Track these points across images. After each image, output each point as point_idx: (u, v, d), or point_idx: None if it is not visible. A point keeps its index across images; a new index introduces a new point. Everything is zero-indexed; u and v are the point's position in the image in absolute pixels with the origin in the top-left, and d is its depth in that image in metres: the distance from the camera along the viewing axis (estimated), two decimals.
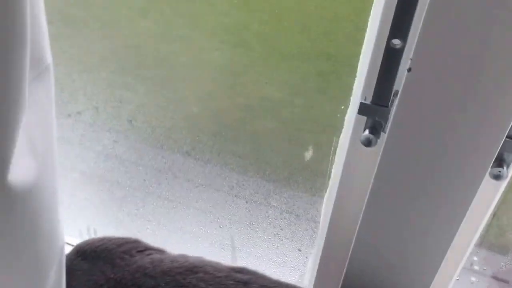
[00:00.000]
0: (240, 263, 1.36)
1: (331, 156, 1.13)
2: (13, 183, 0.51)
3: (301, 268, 1.29)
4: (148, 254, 0.89)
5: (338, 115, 0.97)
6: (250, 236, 1.32)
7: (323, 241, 1.03)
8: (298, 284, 0.90)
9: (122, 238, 0.94)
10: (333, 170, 1.02)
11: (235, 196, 1.32)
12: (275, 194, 1.29)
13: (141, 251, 0.90)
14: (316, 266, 1.08)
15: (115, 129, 1.31)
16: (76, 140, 1.34)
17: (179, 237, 1.35)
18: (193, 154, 1.31)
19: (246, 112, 1.29)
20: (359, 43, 0.84)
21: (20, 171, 0.52)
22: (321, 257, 1.06)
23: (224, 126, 1.31)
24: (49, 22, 0.66)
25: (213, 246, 1.36)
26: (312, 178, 1.29)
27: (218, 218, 1.34)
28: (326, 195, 1.09)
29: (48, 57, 0.64)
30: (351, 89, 0.87)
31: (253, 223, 1.32)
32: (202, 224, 1.35)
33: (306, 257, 1.28)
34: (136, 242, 0.94)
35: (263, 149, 1.31)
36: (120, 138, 1.32)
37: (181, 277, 0.84)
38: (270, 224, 1.30)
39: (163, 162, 1.33)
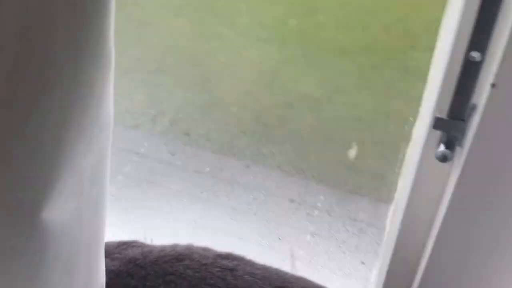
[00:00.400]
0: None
1: (397, 169, 1.08)
2: (48, 220, 0.48)
3: (364, 282, 1.24)
4: (140, 247, 0.93)
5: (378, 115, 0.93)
6: (312, 248, 1.28)
7: (390, 255, 0.99)
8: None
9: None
10: (400, 182, 0.98)
11: (296, 208, 1.28)
12: (331, 202, 1.24)
13: (135, 246, 0.94)
14: (382, 281, 1.05)
15: (151, 130, 1.30)
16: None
17: (238, 249, 1.30)
18: (233, 155, 1.28)
19: (286, 110, 1.26)
20: (398, 36, 0.79)
21: (58, 209, 0.49)
22: (387, 271, 1.02)
23: (264, 125, 1.27)
24: None
25: (273, 258, 1.33)
26: (369, 183, 1.23)
27: (277, 229, 1.30)
28: (392, 208, 1.05)
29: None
30: (394, 84, 0.83)
31: (315, 235, 1.27)
32: (261, 235, 1.32)
33: (370, 270, 1.24)
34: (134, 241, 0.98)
35: (304, 148, 1.27)
36: (159, 140, 1.31)
37: (168, 266, 0.86)
38: (332, 236, 1.26)
39: (201, 164, 1.32)
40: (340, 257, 1.27)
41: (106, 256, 0.90)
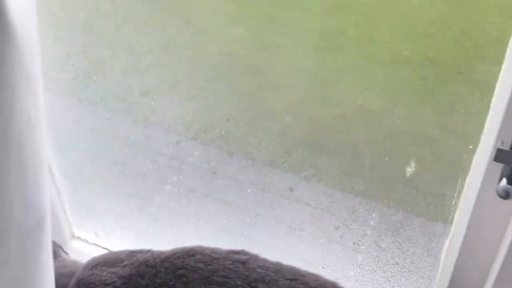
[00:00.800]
0: None
1: (454, 200, 1.02)
2: None
3: None
4: (151, 252, 0.95)
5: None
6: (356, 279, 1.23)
7: None
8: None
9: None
10: (457, 215, 0.93)
11: (341, 236, 1.23)
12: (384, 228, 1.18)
13: (147, 252, 0.96)
14: None
15: (206, 139, 1.29)
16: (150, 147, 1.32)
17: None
18: (284, 167, 1.25)
19: (342, 122, 1.21)
20: (465, 47, 0.74)
21: None
22: None
23: (317, 137, 1.24)
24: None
25: None
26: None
27: (322, 258, 1.26)
28: (447, 242, 1.00)
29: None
30: (459, 98, 0.77)
31: (361, 266, 1.22)
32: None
33: None
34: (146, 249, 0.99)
35: (358, 163, 1.22)
36: (210, 149, 1.29)
37: (179, 261, 0.86)
38: (380, 268, 1.20)
39: (255, 174, 1.29)
40: None
41: (117, 266, 0.90)
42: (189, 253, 0.87)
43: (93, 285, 0.90)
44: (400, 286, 1.18)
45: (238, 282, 0.80)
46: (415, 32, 0.97)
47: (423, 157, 1.18)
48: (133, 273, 0.88)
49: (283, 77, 1.22)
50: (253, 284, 0.79)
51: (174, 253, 0.89)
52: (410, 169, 1.17)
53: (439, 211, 1.13)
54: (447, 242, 1.03)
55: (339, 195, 1.21)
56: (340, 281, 1.21)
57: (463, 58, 0.96)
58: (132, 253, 0.96)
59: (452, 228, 0.96)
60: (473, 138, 0.88)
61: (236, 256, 0.86)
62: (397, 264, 1.18)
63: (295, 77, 1.20)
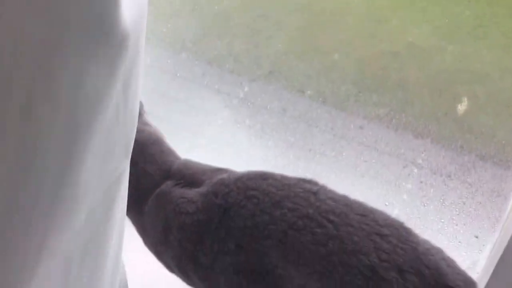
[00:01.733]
0: None
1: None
2: None
3: (476, 255, 1.13)
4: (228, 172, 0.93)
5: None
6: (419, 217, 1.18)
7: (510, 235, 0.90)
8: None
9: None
10: None
11: (408, 175, 1.18)
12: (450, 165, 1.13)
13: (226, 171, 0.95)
14: (496, 259, 0.94)
15: (254, 76, 1.26)
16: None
17: None
18: (332, 104, 1.22)
19: (392, 60, 1.19)
20: None
21: None
22: (504, 251, 0.92)
23: (366, 74, 1.21)
24: None
25: None
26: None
27: (385, 195, 1.21)
28: None
29: None
30: None
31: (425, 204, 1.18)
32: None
33: (483, 245, 1.12)
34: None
35: (409, 101, 1.19)
36: (259, 85, 1.26)
37: (251, 182, 0.85)
38: (446, 207, 1.16)
39: (301, 109, 1.26)
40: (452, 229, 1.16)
41: (199, 185, 0.90)
42: (262, 176, 0.86)
43: (175, 201, 0.89)
44: (464, 224, 1.13)
45: (310, 211, 0.78)
46: None
47: (475, 95, 1.16)
48: (210, 191, 0.87)
49: (333, 14, 1.21)
50: (323, 214, 0.78)
51: (247, 174, 0.88)
52: (462, 106, 1.15)
53: (493, 144, 1.10)
54: None
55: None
56: (403, 218, 1.16)
57: None
58: (218, 170, 0.95)
59: None
60: None
61: (307, 185, 0.84)
62: (464, 204, 1.13)
63: (344, 15, 1.20)
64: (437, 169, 1.14)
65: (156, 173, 0.94)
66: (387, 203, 1.16)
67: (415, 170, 1.16)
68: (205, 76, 1.26)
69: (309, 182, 0.85)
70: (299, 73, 1.24)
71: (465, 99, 1.16)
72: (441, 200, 1.13)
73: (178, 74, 1.28)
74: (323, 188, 0.84)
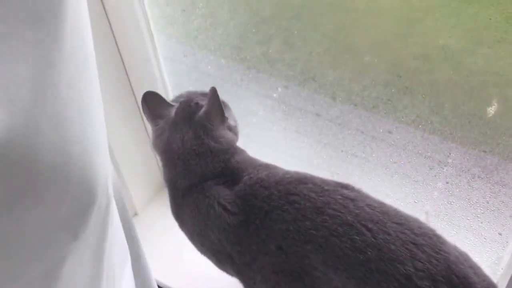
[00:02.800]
0: None
1: None
2: None
3: (500, 252, 1.19)
4: (266, 169, 0.98)
5: None
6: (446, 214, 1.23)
7: None
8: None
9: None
10: None
11: (434, 176, 1.23)
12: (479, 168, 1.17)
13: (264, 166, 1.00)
14: None
15: (284, 75, 1.32)
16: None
17: None
18: (362, 106, 1.27)
19: (423, 62, 1.22)
20: None
21: None
22: None
23: (397, 76, 1.25)
24: None
25: None
26: None
27: (413, 193, 1.26)
28: None
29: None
30: None
31: (452, 203, 1.23)
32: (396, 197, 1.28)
33: (507, 242, 1.18)
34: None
35: (439, 102, 1.22)
36: (291, 85, 1.32)
37: (292, 186, 0.88)
38: (471, 206, 1.21)
39: (333, 113, 1.31)
40: (477, 227, 1.21)
41: (238, 181, 0.96)
42: (302, 180, 0.90)
43: (217, 200, 0.94)
44: (488, 222, 1.18)
45: (350, 218, 0.82)
46: None
47: (505, 97, 1.18)
48: (248, 192, 0.92)
49: (365, 15, 1.23)
50: (362, 222, 0.81)
51: (287, 177, 0.92)
52: (492, 109, 1.17)
53: None
54: None
55: (436, 138, 1.22)
56: (431, 215, 1.23)
57: None
58: (260, 166, 0.99)
59: None
60: None
61: (345, 192, 0.87)
62: (487, 203, 1.18)
63: (377, 16, 1.22)
64: (462, 170, 1.19)
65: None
66: (416, 201, 1.22)
67: (442, 171, 1.21)
68: (243, 80, 1.33)
69: (347, 187, 0.89)
70: (332, 76, 1.28)
71: (495, 101, 1.19)
72: (467, 199, 1.19)
73: (220, 78, 1.35)
74: (361, 194, 0.88)
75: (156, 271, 1.10)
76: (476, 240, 1.20)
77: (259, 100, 1.31)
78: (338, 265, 0.79)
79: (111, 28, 1.22)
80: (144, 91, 1.28)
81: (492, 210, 1.18)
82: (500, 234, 1.18)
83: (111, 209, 0.65)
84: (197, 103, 1.00)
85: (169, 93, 1.42)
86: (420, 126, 1.22)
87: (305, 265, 0.82)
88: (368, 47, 1.25)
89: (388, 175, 1.25)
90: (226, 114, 1.01)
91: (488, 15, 1.13)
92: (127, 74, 1.31)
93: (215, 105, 0.96)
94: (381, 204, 0.87)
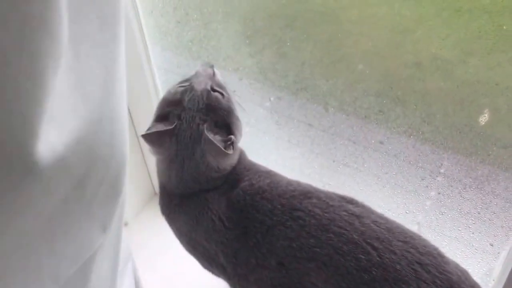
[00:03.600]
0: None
1: None
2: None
3: (491, 263, 1.19)
4: (268, 177, 0.93)
5: None
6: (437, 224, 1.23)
7: None
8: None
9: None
10: None
11: (426, 186, 1.23)
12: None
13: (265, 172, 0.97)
14: (511, 266, 1.00)
15: (277, 85, 1.32)
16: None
17: None
18: (355, 114, 1.27)
19: (415, 71, 1.22)
20: None
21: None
22: None
23: (390, 84, 1.25)
24: None
25: None
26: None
27: (405, 203, 1.26)
28: None
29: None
30: None
31: (443, 213, 1.23)
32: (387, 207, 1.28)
33: (498, 253, 1.18)
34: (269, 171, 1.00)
35: (431, 111, 1.23)
36: (283, 95, 1.32)
37: (296, 201, 0.86)
38: (462, 216, 1.21)
39: (325, 123, 1.31)
40: (468, 237, 1.21)
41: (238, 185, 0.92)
42: (306, 195, 0.87)
43: (215, 213, 0.91)
44: (480, 232, 1.18)
45: (355, 236, 0.80)
46: None
47: (497, 107, 1.18)
48: (249, 204, 0.88)
49: (358, 25, 1.24)
50: (368, 240, 0.79)
51: (290, 190, 0.89)
52: (484, 118, 1.17)
53: None
54: None
55: (427, 148, 1.22)
56: (423, 226, 1.22)
57: None
58: (258, 172, 0.96)
59: None
60: None
61: (350, 207, 0.85)
62: (479, 213, 1.18)
63: (369, 25, 1.22)
64: (453, 181, 1.19)
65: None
66: (407, 211, 1.22)
67: (434, 181, 1.21)
68: (235, 90, 1.33)
69: (351, 202, 0.87)
70: (324, 86, 1.28)
71: (487, 111, 1.19)
72: (458, 210, 1.19)
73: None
74: (366, 210, 0.86)
75: (148, 283, 1.09)
76: (468, 251, 1.20)
77: (252, 109, 1.31)
78: (342, 283, 0.77)
79: None
80: (138, 101, 1.28)
81: (484, 221, 1.18)
82: (491, 245, 1.18)
83: (126, 205, 0.67)
84: (198, 125, 0.90)
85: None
86: (411, 136, 1.23)
87: (306, 282, 0.80)
88: (360, 57, 1.25)
89: (380, 185, 1.25)
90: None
91: (479, 26, 1.14)
92: None
93: (212, 149, 0.89)
94: (386, 220, 0.85)
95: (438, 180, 1.20)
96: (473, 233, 1.19)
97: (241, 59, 1.35)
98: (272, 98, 1.29)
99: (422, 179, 1.21)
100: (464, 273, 0.83)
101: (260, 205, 0.87)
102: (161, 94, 1.39)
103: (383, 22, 1.21)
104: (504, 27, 1.12)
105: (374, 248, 0.78)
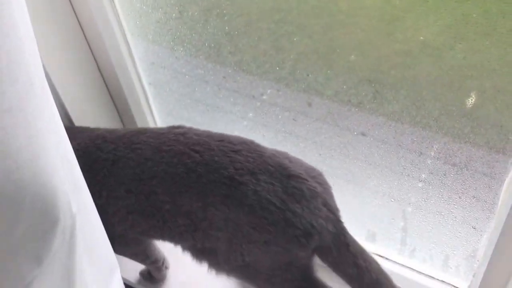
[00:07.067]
0: (409, 239, 1.36)
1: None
2: None
3: (474, 244, 1.25)
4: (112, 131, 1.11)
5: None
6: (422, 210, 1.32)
7: (503, 224, 1.00)
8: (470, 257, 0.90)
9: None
10: None
11: (408, 175, 1.29)
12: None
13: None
14: (493, 246, 1.06)
15: (275, 77, 1.36)
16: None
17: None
18: (350, 103, 1.32)
19: (405, 58, 1.27)
20: None
21: None
22: (499, 239, 1.03)
23: (382, 72, 1.30)
24: None
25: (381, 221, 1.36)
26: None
27: (390, 192, 1.32)
28: (507, 180, 1.05)
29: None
30: None
31: (427, 199, 1.28)
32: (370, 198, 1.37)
33: (481, 235, 1.23)
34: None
35: (421, 96, 1.28)
36: (281, 87, 1.37)
37: (134, 138, 1.04)
38: (444, 201, 1.26)
39: (317, 110, 1.36)
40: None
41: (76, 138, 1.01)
42: (141, 132, 1.05)
43: None
44: (463, 216, 1.24)
45: (180, 147, 0.97)
46: None
47: (484, 89, 1.22)
48: (90, 145, 1.04)
49: (348, 15, 1.28)
50: (191, 147, 0.97)
51: (130, 131, 1.07)
52: (471, 100, 1.22)
53: (501, 136, 1.18)
54: (506, 180, 1.08)
55: (407, 129, 1.27)
56: (406, 210, 1.29)
57: None
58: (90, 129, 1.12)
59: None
60: None
61: (176, 130, 1.03)
62: (460, 198, 1.24)
63: (360, 15, 1.26)
64: (433, 167, 1.24)
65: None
66: (398, 195, 1.26)
67: (424, 163, 1.26)
68: (227, 79, 1.38)
69: (178, 127, 1.05)
70: (319, 75, 1.33)
71: (474, 93, 1.24)
72: (440, 196, 1.24)
73: (205, 79, 1.40)
74: (190, 129, 1.03)
75: None
76: (451, 234, 1.26)
77: (248, 102, 1.36)
78: (179, 188, 0.94)
79: (85, 38, 1.29)
80: (123, 99, 1.37)
81: (465, 204, 1.23)
82: (474, 228, 1.24)
83: (78, 229, 0.66)
84: None
85: (150, 100, 1.48)
86: (404, 118, 1.28)
87: (154, 201, 0.96)
88: (353, 47, 1.30)
89: (372, 169, 1.31)
90: None
91: (465, 10, 1.18)
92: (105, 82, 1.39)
93: None
94: (208, 132, 1.02)
95: (428, 162, 1.26)
96: (455, 217, 1.24)
97: (236, 52, 1.39)
98: (269, 90, 1.34)
99: (412, 162, 1.27)
100: (282, 153, 1.00)
101: (103, 147, 1.03)
102: (148, 92, 1.45)
103: (372, 11, 1.25)
104: (489, 12, 1.17)
105: (196, 152, 0.96)
